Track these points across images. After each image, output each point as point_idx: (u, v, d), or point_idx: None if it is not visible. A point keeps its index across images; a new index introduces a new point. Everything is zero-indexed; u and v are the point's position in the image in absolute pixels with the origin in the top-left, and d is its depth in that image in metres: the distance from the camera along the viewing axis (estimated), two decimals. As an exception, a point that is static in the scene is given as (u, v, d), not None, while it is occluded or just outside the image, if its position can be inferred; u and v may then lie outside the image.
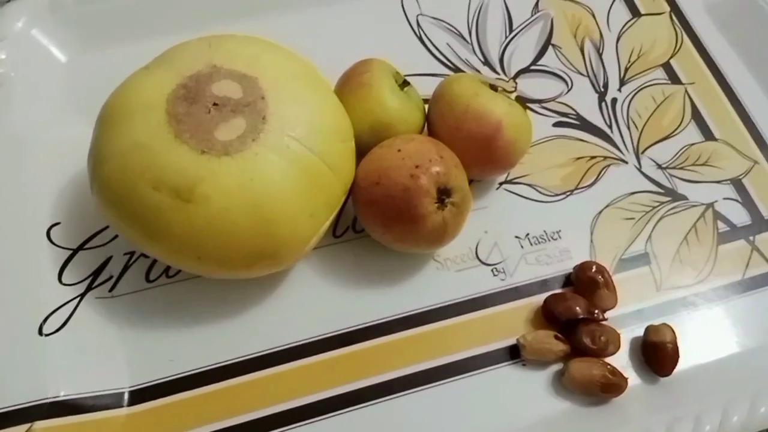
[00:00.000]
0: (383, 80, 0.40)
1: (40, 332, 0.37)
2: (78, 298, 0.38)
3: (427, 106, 0.42)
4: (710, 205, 0.44)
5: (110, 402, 0.36)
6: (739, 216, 0.44)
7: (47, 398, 0.35)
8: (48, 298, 0.38)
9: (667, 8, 0.52)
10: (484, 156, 0.39)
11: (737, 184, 0.45)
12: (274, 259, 0.35)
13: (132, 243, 0.35)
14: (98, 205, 0.35)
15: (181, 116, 0.32)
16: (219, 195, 0.31)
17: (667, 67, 0.50)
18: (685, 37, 0.51)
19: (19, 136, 0.42)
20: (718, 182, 0.45)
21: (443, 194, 0.36)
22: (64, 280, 0.38)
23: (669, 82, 0.49)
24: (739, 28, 0.51)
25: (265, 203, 0.32)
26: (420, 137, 0.38)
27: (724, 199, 0.44)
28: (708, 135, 0.47)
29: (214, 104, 0.33)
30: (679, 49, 0.51)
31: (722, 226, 0.43)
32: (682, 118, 0.47)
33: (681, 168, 0.45)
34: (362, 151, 0.38)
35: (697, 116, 0.48)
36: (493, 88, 0.40)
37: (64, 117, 0.44)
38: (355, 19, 0.49)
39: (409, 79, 0.41)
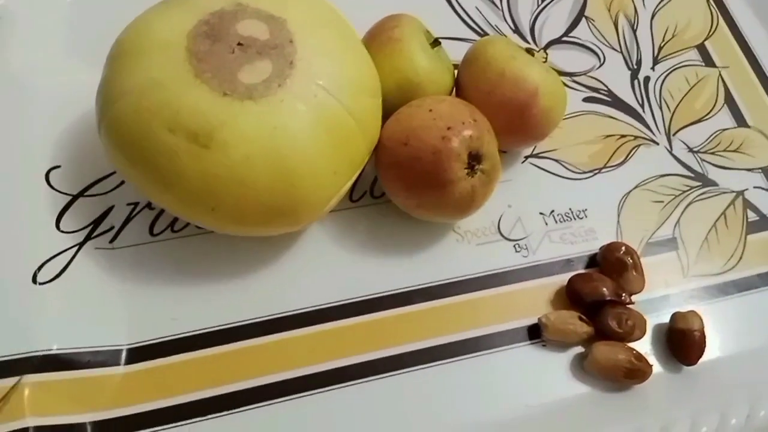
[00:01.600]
0: (414, 37, 0.37)
1: (34, 280, 0.34)
2: (76, 247, 0.36)
3: (456, 70, 0.40)
4: (740, 193, 0.42)
5: (106, 359, 0.33)
6: (770, 206, 0.42)
7: (38, 351, 0.33)
8: (44, 245, 0.35)
9: (704, -12, 0.51)
10: (517, 124, 0.37)
11: (768, 173, 0.43)
12: (291, 217, 0.32)
13: (140, 190, 0.32)
14: (105, 147, 0.32)
15: (202, 54, 0.30)
16: (239, 142, 0.29)
17: (701, 48, 0.48)
18: (721, 19, 0.50)
19: (20, 75, 0.39)
20: (750, 170, 0.44)
21: (474, 160, 0.34)
22: (62, 227, 0.36)
23: (703, 64, 0.47)
24: (778, 12, 0.49)
25: (288, 155, 0.30)
26: (452, 98, 0.36)
27: (755, 187, 0.43)
28: (741, 121, 0.45)
29: (239, 44, 0.30)
30: (714, 32, 0.49)
31: (752, 215, 0.42)
32: (715, 101, 0.46)
33: (712, 153, 0.44)
34: (388, 110, 0.36)
35: (730, 101, 0.46)
36: (530, 53, 0.38)
37: (68, 58, 0.41)
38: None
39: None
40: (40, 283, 0.34)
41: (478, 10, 0.47)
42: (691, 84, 0.46)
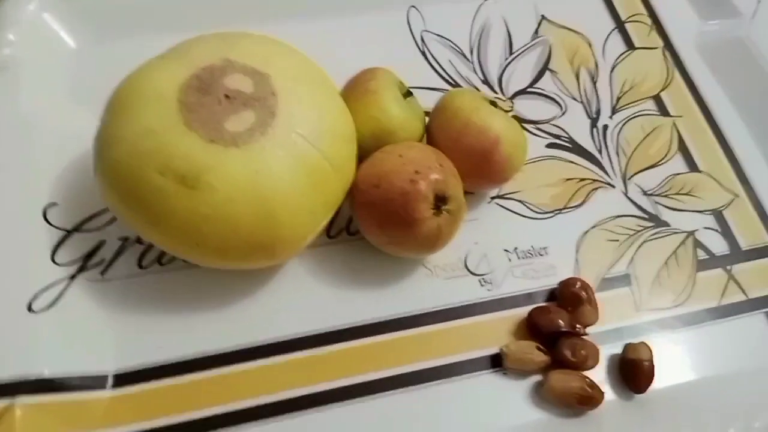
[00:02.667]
0: (388, 88, 0.41)
1: (29, 309, 0.37)
2: (69, 279, 0.38)
3: (427, 118, 0.43)
4: (691, 233, 0.46)
5: (94, 383, 0.36)
6: (718, 245, 0.45)
7: (31, 375, 0.35)
8: (40, 276, 0.38)
9: (661, 44, 0.55)
10: (481, 169, 0.40)
11: (718, 215, 0.47)
12: (270, 253, 0.35)
13: (132, 226, 0.35)
14: (101, 187, 0.35)
15: (192, 105, 0.33)
16: (224, 184, 0.32)
17: (657, 99, 0.52)
18: (676, 72, 0.53)
19: (25, 117, 0.42)
20: (700, 212, 0.47)
21: (440, 201, 0.37)
22: (57, 260, 0.39)
23: (658, 113, 0.51)
24: (728, 67, 0.53)
25: (268, 196, 0.33)
26: (421, 145, 0.39)
27: (705, 228, 0.46)
28: (692, 167, 0.49)
29: (226, 96, 0.34)
30: (669, 83, 0.53)
31: (701, 254, 0.45)
32: (669, 148, 0.49)
33: (665, 196, 0.47)
34: (362, 155, 0.39)
35: (683, 148, 0.49)
36: (493, 104, 0.41)
37: (70, 104, 0.44)
38: (363, 30, 0.51)
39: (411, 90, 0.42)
40: (35, 312, 0.37)
41: (450, 62, 0.51)
42: (647, 132, 0.50)
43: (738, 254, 0.45)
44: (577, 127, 0.49)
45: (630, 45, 0.54)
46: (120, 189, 0.34)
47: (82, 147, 0.40)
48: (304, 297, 0.40)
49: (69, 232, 0.40)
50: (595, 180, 0.47)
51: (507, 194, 0.45)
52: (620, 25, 0.55)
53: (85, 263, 0.39)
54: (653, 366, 0.39)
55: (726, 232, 0.46)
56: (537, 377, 0.39)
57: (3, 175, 0.40)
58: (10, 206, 0.39)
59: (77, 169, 0.41)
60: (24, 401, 0.34)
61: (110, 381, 0.36)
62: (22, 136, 0.42)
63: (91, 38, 0.47)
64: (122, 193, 0.34)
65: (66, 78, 0.46)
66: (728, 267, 0.45)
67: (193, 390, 0.36)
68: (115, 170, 0.33)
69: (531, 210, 0.45)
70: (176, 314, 0.38)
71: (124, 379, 0.36)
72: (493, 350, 0.39)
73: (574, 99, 0.50)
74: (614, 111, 0.50)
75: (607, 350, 0.40)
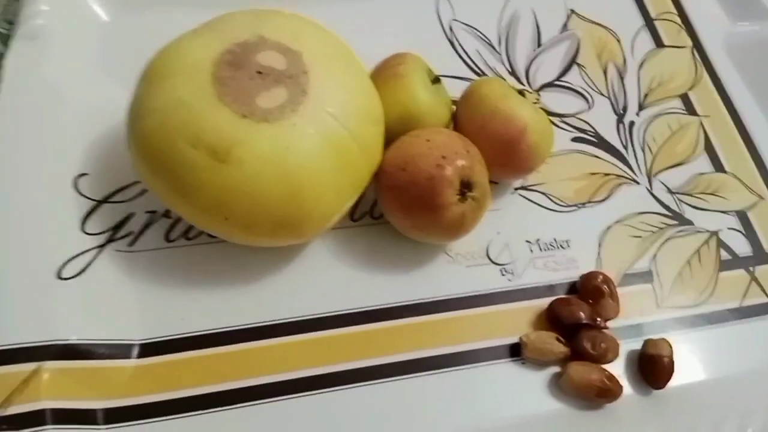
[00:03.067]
0: (416, 74, 0.41)
1: (59, 276, 0.37)
2: (98, 249, 0.39)
3: (454, 107, 0.43)
4: (715, 233, 0.45)
5: (120, 352, 0.36)
6: (741, 246, 0.45)
7: (58, 340, 0.35)
8: (69, 244, 0.38)
9: (690, 43, 0.54)
10: (506, 157, 0.40)
11: (742, 216, 0.46)
12: (296, 230, 0.36)
13: (161, 198, 0.35)
14: (132, 158, 0.35)
15: (225, 80, 0.33)
16: (254, 159, 0.32)
17: (684, 98, 0.51)
18: (704, 72, 0.53)
19: (55, 87, 0.43)
20: (724, 212, 0.46)
21: (465, 187, 0.37)
22: (86, 229, 0.39)
23: (685, 112, 0.51)
24: (756, 68, 0.53)
25: (296, 173, 0.33)
26: (448, 131, 0.40)
27: (729, 228, 0.46)
28: (718, 167, 0.48)
29: (258, 72, 0.34)
30: (697, 83, 0.52)
31: (724, 255, 0.45)
32: (695, 147, 0.49)
33: (690, 195, 0.47)
34: (389, 138, 0.39)
35: (709, 148, 0.49)
36: (521, 94, 0.41)
37: (101, 75, 0.44)
38: (393, 17, 0.51)
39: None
40: (64, 279, 0.37)
41: (478, 52, 0.51)
42: (673, 130, 0.50)
43: (761, 256, 0.45)
44: (604, 122, 0.49)
45: (659, 43, 0.54)
46: (151, 160, 0.34)
47: (112, 119, 0.40)
48: (326, 277, 0.40)
49: (99, 203, 0.40)
50: (619, 176, 0.47)
51: (531, 186, 0.45)
52: (649, 23, 0.55)
53: (113, 234, 0.39)
54: (673, 362, 0.39)
55: (750, 233, 0.46)
56: (555, 368, 0.39)
57: (34, 144, 0.41)
58: (41, 175, 0.40)
59: (108, 140, 0.42)
60: (51, 366, 0.35)
61: (135, 351, 0.36)
62: (52, 106, 0.42)
63: (123, 10, 0.47)
64: (153, 164, 0.34)
65: (98, 49, 0.46)
66: (751, 268, 0.44)
67: (216, 363, 0.37)
68: (147, 141, 0.34)
69: (554, 202, 0.45)
70: (201, 288, 0.39)
71: (148, 349, 0.37)
72: (513, 339, 0.39)
73: (601, 94, 0.50)
74: (641, 108, 0.50)
75: (627, 345, 0.40)
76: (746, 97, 0.52)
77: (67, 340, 0.35)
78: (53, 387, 0.34)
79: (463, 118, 0.42)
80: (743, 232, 0.46)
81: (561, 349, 0.38)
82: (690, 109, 0.51)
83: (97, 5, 0.47)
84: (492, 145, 0.40)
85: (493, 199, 0.44)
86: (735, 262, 0.45)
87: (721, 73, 0.53)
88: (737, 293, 0.43)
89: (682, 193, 0.47)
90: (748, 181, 0.48)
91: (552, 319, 0.40)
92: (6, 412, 0.33)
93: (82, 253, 0.38)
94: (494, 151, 0.40)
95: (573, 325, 0.39)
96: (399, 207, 0.38)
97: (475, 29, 0.52)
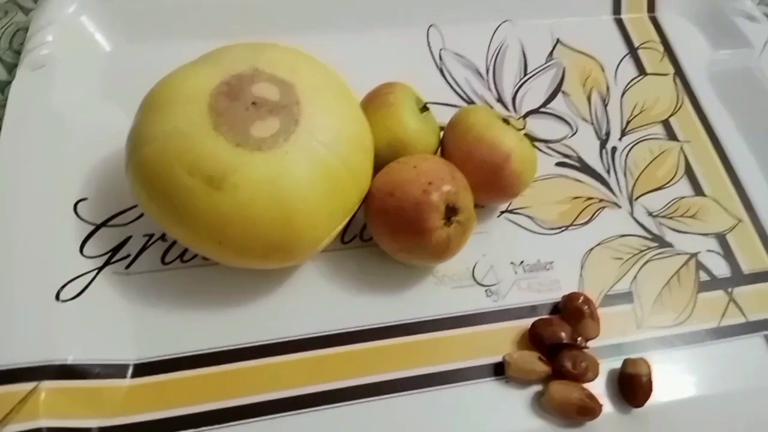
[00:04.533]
0: (405, 102, 0.43)
1: (57, 297, 0.39)
2: (96, 271, 0.40)
3: (442, 132, 0.45)
4: (694, 255, 0.47)
5: (115, 372, 0.38)
6: (720, 268, 0.46)
7: (56, 360, 0.37)
8: (68, 267, 0.40)
9: (672, 70, 0.56)
10: (491, 183, 0.42)
11: (721, 238, 0.48)
12: (288, 253, 0.37)
13: (158, 222, 0.37)
14: (131, 184, 0.37)
15: (221, 110, 0.35)
16: (247, 186, 0.34)
17: (666, 124, 0.53)
18: (686, 98, 0.55)
19: (59, 114, 0.45)
20: (704, 235, 0.48)
21: (451, 212, 0.38)
22: (85, 252, 0.41)
23: (667, 138, 0.52)
24: (736, 95, 0.54)
25: (288, 199, 0.35)
26: (434, 157, 0.41)
27: (708, 251, 0.47)
28: (698, 191, 0.50)
29: (253, 103, 0.35)
30: (679, 109, 0.54)
31: (703, 276, 0.46)
32: (676, 172, 0.51)
33: (670, 218, 0.48)
34: (378, 165, 0.41)
35: (689, 172, 0.51)
36: (506, 121, 0.43)
37: (103, 103, 0.46)
38: (385, 46, 0.53)
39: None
40: (63, 301, 0.39)
41: (467, 80, 0.53)
42: (655, 155, 0.51)
43: (739, 277, 0.46)
44: (587, 147, 0.51)
45: (642, 70, 0.56)
46: (149, 186, 0.36)
47: (113, 145, 0.42)
48: (317, 299, 0.41)
49: (98, 227, 0.42)
50: (602, 199, 0.48)
51: (516, 209, 0.47)
52: (633, 51, 0.57)
53: (111, 257, 0.41)
54: (651, 381, 0.40)
55: (728, 255, 0.47)
56: (538, 387, 0.40)
57: (37, 169, 0.42)
58: (43, 200, 0.41)
59: (108, 166, 0.43)
60: (48, 385, 0.36)
61: (130, 370, 0.38)
62: (56, 132, 0.44)
63: (125, 41, 0.50)
64: (151, 190, 0.36)
65: (99, 78, 0.48)
66: (729, 289, 0.46)
67: (208, 383, 0.38)
68: (146, 168, 0.35)
69: (539, 225, 0.46)
70: (195, 309, 0.40)
71: (143, 369, 0.38)
72: (496, 359, 0.40)
73: (585, 120, 0.52)
74: (623, 133, 0.52)
75: (607, 364, 0.41)
76: (727, 122, 0.54)
77: (65, 360, 0.37)
78: (50, 406, 0.35)
79: (450, 144, 0.43)
80: (722, 254, 0.47)
81: (543, 368, 0.39)
82: (671, 135, 0.53)
83: (100, 36, 0.49)
84: (478, 171, 0.41)
85: (479, 222, 0.45)
86: (714, 283, 0.46)
87: (702, 100, 0.55)
88: (716, 314, 0.45)
89: (663, 216, 0.48)
90: (728, 205, 0.49)
91: (534, 339, 0.41)
92: (5, 430, 0.34)
93: (81, 275, 0.40)
94: (480, 176, 0.41)
95: (554, 345, 0.40)
96: (387, 230, 0.40)
97: (464, 58, 0.54)
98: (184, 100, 0.35)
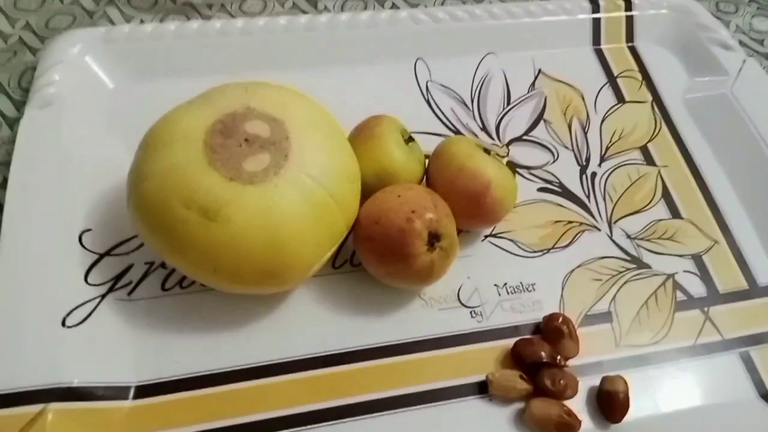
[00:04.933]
0: (391, 135, 0.45)
1: (63, 324, 0.41)
2: (99, 298, 0.43)
3: (427, 161, 0.47)
4: (671, 275, 0.49)
5: (117, 394, 0.40)
6: (697, 288, 0.48)
7: (62, 383, 0.39)
8: (73, 295, 0.42)
9: (650, 98, 0.59)
10: (473, 210, 0.44)
11: (697, 259, 0.50)
12: (280, 279, 0.39)
13: (157, 252, 0.39)
14: (131, 216, 0.39)
15: (216, 147, 0.37)
16: (240, 217, 0.36)
17: (644, 149, 0.55)
18: (663, 124, 0.57)
19: (65, 149, 0.47)
20: (680, 256, 0.50)
21: (433, 238, 0.41)
22: (89, 280, 0.43)
23: (644, 163, 0.55)
24: (712, 121, 0.57)
25: (279, 229, 0.37)
26: (418, 187, 0.44)
27: (684, 271, 0.49)
28: (675, 213, 0.52)
29: (246, 140, 0.38)
30: (656, 135, 0.57)
31: (680, 296, 0.48)
32: (653, 195, 0.53)
33: (648, 240, 0.50)
34: (366, 193, 0.43)
35: (667, 196, 0.53)
36: (487, 151, 0.45)
37: (106, 138, 0.49)
38: (373, 79, 0.55)
39: (414, 135, 0.47)
40: (68, 327, 0.41)
41: (452, 110, 0.55)
42: (633, 180, 0.54)
43: (715, 297, 0.48)
44: (568, 173, 0.53)
45: (620, 98, 0.58)
46: (148, 218, 0.38)
47: (115, 178, 0.45)
48: (309, 321, 0.44)
49: (101, 256, 0.44)
50: (582, 223, 0.50)
51: (499, 233, 0.49)
52: (612, 80, 0.59)
53: (114, 284, 0.43)
54: (628, 398, 0.42)
55: (705, 276, 0.49)
56: (520, 404, 0.42)
57: (44, 202, 0.45)
58: (49, 230, 0.44)
59: (110, 198, 0.46)
60: (55, 407, 0.38)
61: (132, 392, 0.40)
62: (62, 166, 0.47)
63: (128, 79, 0.53)
64: (150, 222, 0.38)
65: (103, 114, 0.51)
66: (705, 309, 0.48)
67: (207, 403, 0.40)
68: (145, 202, 0.38)
69: (521, 249, 0.49)
70: (194, 333, 0.42)
71: (144, 390, 0.40)
72: (480, 377, 0.42)
73: (566, 147, 0.55)
74: (603, 159, 0.54)
75: (587, 382, 0.43)
76: (703, 147, 0.56)
77: (70, 383, 0.39)
78: (57, 427, 0.37)
79: (434, 173, 0.46)
80: (698, 274, 0.49)
81: (524, 386, 0.41)
82: (649, 160, 0.55)
83: (104, 74, 0.52)
84: (460, 199, 0.44)
85: (463, 246, 0.47)
86: (690, 302, 0.48)
87: (679, 126, 0.57)
88: (692, 332, 0.46)
89: (641, 239, 0.50)
90: (704, 227, 0.51)
91: (516, 358, 0.43)
92: (13, 450, 0.36)
93: (86, 302, 0.42)
94: (462, 204, 0.44)
95: (535, 363, 0.42)
96: (374, 256, 0.42)
97: (450, 89, 0.57)
98: (181, 138, 0.38)
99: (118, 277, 0.44)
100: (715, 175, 0.55)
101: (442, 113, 0.55)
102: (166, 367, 0.41)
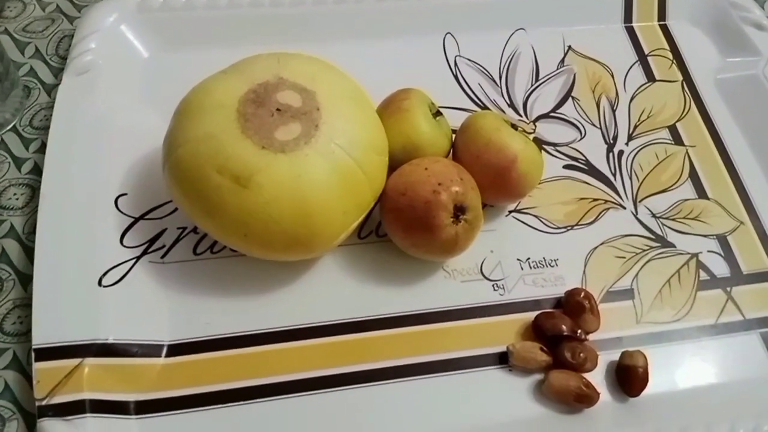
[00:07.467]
0: (419, 108, 0.46)
1: (100, 283, 0.43)
2: (134, 260, 0.44)
3: (454, 136, 0.48)
4: (695, 255, 0.49)
5: (150, 351, 0.41)
6: (720, 268, 0.48)
7: (98, 340, 0.40)
8: (110, 256, 0.44)
9: (680, 77, 0.58)
10: (499, 184, 0.45)
11: (722, 239, 0.50)
12: (307, 247, 0.40)
13: (190, 217, 0.41)
14: (166, 182, 0.41)
15: (248, 116, 0.38)
16: (271, 185, 0.37)
17: (672, 129, 0.55)
18: (693, 104, 0.57)
19: (102, 117, 0.49)
20: (705, 236, 0.50)
21: (459, 211, 0.41)
22: (124, 243, 0.45)
23: (672, 142, 0.54)
24: (742, 102, 0.56)
25: (308, 197, 0.38)
26: (445, 160, 0.44)
27: (708, 251, 0.49)
28: (702, 194, 0.52)
29: (277, 109, 0.39)
30: (685, 115, 0.56)
31: (703, 275, 0.48)
32: (680, 175, 0.53)
33: (673, 219, 0.50)
34: (393, 166, 0.44)
35: (693, 176, 0.53)
36: (514, 127, 0.46)
37: (141, 105, 0.50)
38: (402, 53, 0.56)
39: (441, 110, 0.47)
40: (104, 286, 0.43)
41: (480, 85, 0.56)
42: (660, 159, 0.53)
43: (738, 277, 0.48)
44: (594, 151, 0.53)
45: (650, 77, 0.58)
46: (183, 184, 0.39)
47: (150, 145, 0.46)
48: (334, 289, 0.45)
49: (136, 220, 0.46)
50: (607, 201, 0.51)
51: (524, 209, 0.50)
52: (642, 58, 0.59)
53: (148, 247, 0.45)
54: (647, 372, 0.42)
55: (729, 256, 0.49)
56: (539, 375, 0.43)
57: (81, 167, 0.46)
58: (87, 195, 0.45)
59: (146, 164, 0.47)
60: (91, 362, 0.40)
61: (164, 350, 0.41)
62: (99, 132, 0.48)
63: (161, 49, 0.54)
64: (184, 188, 0.39)
65: (138, 82, 0.52)
66: (728, 288, 0.48)
67: (235, 363, 0.41)
68: (180, 167, 0.39)
69: (545, 224, 0.49)
70: (223, 296, 0.44)
71: (176, 349, 0.42)
72: (501, 348, 0.43)
73: (593, 125, 0.55)
74: (630, 138, 0.54)
75: (607, 356, 0.44)
76: (732, 128, 0.55)
77: (106, 339, 0.41)
78: (92, 381, 0.39)
79: (460, 147, 0.46)
80: (722, 254, 0.49)
81: (544, 358, 0.42)
82: (677, 140, 0.55)
83: (139, 43, 0.53)
84: (486, 173, 0.44)
85: (488, 220, 0.48)
86: (713, 282, 0.48)
87: (709, 106, 0.57)
88: (714, 311, 0.47)
89: (666, 218, 0.50)
90: (730, 208, 0.51)
91: (537, 331, 0.44)
92: (52, 401, 0.38)
93: (121, 263, 0.44)
94: (488, 178, 0.44)
95: (555, 336, 0.43)
96: (400, 227, 0.43)
97: (478, 64, 0.57)
98: (215, 107, 0.39)
99: (152, 241, 0.45)
100: (744, 156, 0.54)
101: (470, 88, 0.55)
102: (197, 327, 0.42)
